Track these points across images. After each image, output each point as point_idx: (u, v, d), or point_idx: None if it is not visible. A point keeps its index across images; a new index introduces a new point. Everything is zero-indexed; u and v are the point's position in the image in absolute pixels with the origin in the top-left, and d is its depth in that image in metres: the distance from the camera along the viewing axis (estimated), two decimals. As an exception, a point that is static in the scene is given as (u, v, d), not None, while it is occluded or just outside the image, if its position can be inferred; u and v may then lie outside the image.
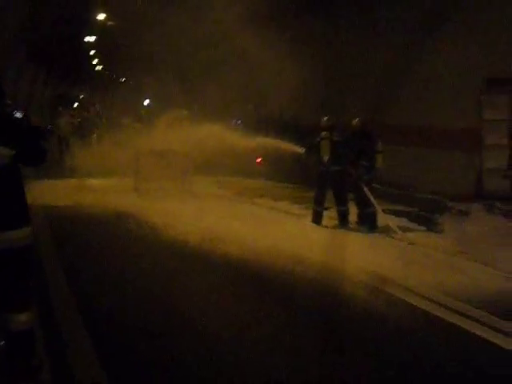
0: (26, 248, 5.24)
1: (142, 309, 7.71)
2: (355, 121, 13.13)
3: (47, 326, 6.83)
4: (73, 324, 7.15)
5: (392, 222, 12.45)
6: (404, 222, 13.14)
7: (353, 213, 12.99)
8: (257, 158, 18.43)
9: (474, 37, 15.36)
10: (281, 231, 12.01)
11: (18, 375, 5.14)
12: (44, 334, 6.50)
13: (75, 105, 41.94)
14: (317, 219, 13.01)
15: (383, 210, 12.79)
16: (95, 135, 28.52)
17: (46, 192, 15.71)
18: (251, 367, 6.03)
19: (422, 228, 12.63)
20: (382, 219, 12.67)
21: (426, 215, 13.35)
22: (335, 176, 12.88)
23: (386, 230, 12.30)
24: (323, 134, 13.01)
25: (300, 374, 5.88)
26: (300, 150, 14.15)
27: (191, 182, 17.11)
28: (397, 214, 13.38)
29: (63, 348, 6.34)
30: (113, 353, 6.26)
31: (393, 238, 11.92)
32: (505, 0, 14.71)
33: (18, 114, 6.24)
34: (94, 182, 18.44)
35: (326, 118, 13.21)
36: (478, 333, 6.99)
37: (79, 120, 34.74)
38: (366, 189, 12.55)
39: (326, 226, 12.87)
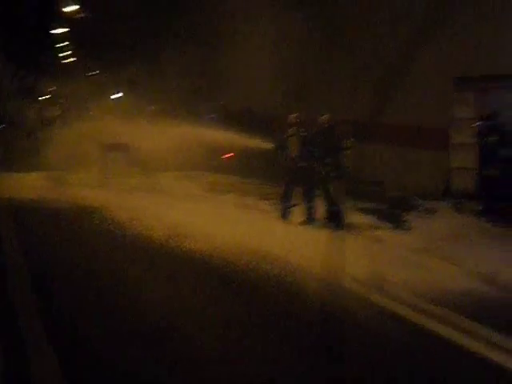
0: None
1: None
2: (323, 117, 13.06)
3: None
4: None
5: (364, 219, 12.41)
6: (373, 219, 13.12)
7: (320, 210, 12.92)
8: (225, 154, 18.31)
9: (446, 36, 15.43)
10: (248, 228, 11.96)
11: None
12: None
13: (45, 98, 41.47)
14: (284, 215, 12.96)
15: (350, 207, 12.76)
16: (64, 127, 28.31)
17: (12, 185, 15.54)
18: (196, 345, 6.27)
19: (390, 225, 12.58)
20: (353, 217, 12.63)
21: (394, 212, 13.34)
22: (303, 172, 12.86)
23: (354, 228, 12.23)
24: (290, 130, 13.00)
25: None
26: (269, 146, 14.08)
27: (158, 177, 17.00)
28: (366, 211, 13.36)
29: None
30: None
31: (361, 235, 11.87)
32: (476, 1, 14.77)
33: None
34: (61, 175, 18.20)
35: (294, 115, 13.21)
36: (442, 332, 6.98)
37: (56, 113, 34.40)
38: (332, 186, 12.52)
39: (293, 223, 12.78)
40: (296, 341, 6.70)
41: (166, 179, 16.88)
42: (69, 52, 47.09)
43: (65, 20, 36.44)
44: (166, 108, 30.14)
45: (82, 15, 34.78)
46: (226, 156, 17.71)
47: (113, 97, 33.64)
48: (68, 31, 39.72)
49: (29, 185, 16.32)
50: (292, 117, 13.21)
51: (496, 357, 6.27)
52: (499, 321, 7.18)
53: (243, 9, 22.66)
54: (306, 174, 12.88)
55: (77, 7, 33.88)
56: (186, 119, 18.47)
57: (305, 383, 5.70)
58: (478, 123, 15.02)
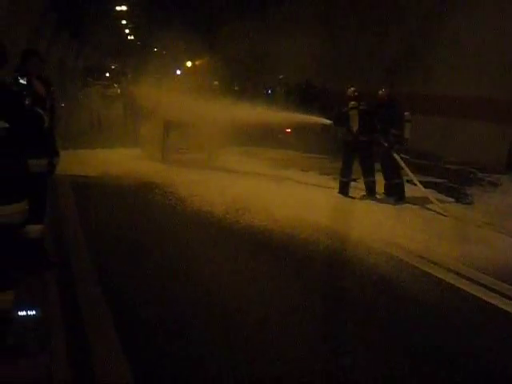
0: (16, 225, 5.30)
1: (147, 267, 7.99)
2: (382, 91, 12.95)
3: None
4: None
5: (430, 193, 12.24)
6: (433, 193, 12.96)
7: (380, 184, 12.83)
8: (286, 129, 18.33)
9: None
10: (308, 202, 11.93)
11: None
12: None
13: (107, 75, 41.92)
14: (344, 190, 12.91)
15: (408, 181, 12.65)
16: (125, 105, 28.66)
17: (77, 161, 15.72)
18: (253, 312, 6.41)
19: (451, 200, 12.46)
20: (414, 191, 12.53)
21: (455, 186, 13.20)
22: (363, 146, 12.76)
23: (416, 201, 12.14)
24: (351, 103, 12.89)
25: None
26: (327, 121, 14.04)
27: (219, 153, 17.06)
28: (425, 185, 13.20)
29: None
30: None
31: (422, 208, 11.77)
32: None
33: (22, 81, 6.25)
34: (123, 151, 18.37)
35: (352, 89, 13.10)
36: (499, 305, 6.94)
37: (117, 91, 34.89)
38: (398, 158, 12.40)
39: (353, 197, 12.74)
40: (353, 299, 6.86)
41: (226, 155, 16.89)
42: (130, 30, 47.67)
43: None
44: (230, 83, 30.42)
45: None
46: (286, 131, 17.72)
47: (177, 72, 34.00)
48: (130, 9, 40.13)
49: (92, 161, 16.51)
50: (350, 91, 13.10)
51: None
52: None
53: None
54: (367, 148, 12.79)
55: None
56: (249, 93, 18.53)
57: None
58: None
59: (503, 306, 6.84)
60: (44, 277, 7.22)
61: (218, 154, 16.96)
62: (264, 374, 5.35)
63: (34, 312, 5.99)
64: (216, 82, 30.34)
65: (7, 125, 5.06)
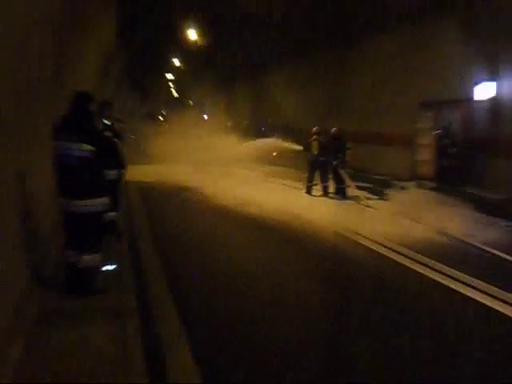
0: (98, 212, 5.31)
1: (189, 233, 7.96)
2: (333, 129, 13.03)
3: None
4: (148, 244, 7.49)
5: (360, 193, 12.29)
6: (364, 193, 12.98)
7: (332, 187, 12.86)
8: (272, 153, 18.22)
9: (412, 72, 15.26)
10: (286, 199, 11.90)
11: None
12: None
13: (158, 117, 41.96)
14: (309, 191, 12.96)
15: (351, 186, 12.67)
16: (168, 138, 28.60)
17: (139, 173, 15.73)
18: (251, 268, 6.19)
19: (376, 197, 12.46)
20: (352, 191, 12.55)
21: (379, 189, 13.21)
22: (321, 164, 12.82)
23: (353, 198, 12.17)
24: (313, 137, 13.00)
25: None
26: (300, 148, 14.13)
27: (231, 168, 16.93)
28: (360, 188, 13.26)
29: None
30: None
31: (357, 203, 11.81)
32: (439, 42, 14.45)
33: (107, 121, 6.33)
34: (168, 167, 18.17)
35: (315, 128, 13.20)
36: (407, 264, 7.01)
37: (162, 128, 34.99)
38: (342, 172, 12.49)
39: (315, 196, 12.75)
40: (311, 260, 6.86)
41: (235, 170, 16.83)
42: (172, 86, 47.64)
43: (173, 69, 36.66)
44: (237, 123, 30.31)
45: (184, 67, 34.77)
46: (274, 154, 17.62)
47: (204, 116, 33.89)
48: (175, 76, 39.97)
49: (149, 173, 16.48)
50: (314, 129, 13.21)
51: (442, 280, 6.29)
52: (446, 258, 7.17)
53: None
54: (323, 165, 12.84)
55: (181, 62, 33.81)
56: (247, 131, 18.51)
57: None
58: (436, 131, 14.75)
59: (414, 267, 6.85)
60: (120, 245, 7.30)
61: (230, 169, 16.81)
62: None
63: (113, 266, 6.06)
64: (229, 123, 30.25)
65: (94, 148, 5.14)
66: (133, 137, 19.17)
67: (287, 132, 20.82)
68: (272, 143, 16.90)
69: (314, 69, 21.19)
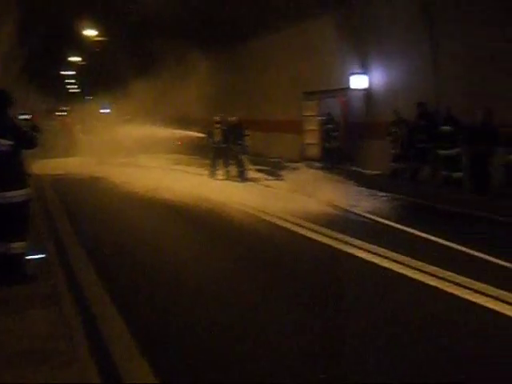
0: (24, 202, 5.21)
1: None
2: (233, 118, 13.34)
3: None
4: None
5: (260, 175, 12.66)
6: (262, 175, 13.44)
7: (233, 171, 13.18)
8: (176, 142, 18.13)
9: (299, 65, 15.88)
10: (191, 183, 11.95)
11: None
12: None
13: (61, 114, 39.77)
14: (212, 175, 13.19)
15: (250, 169, 13.08)
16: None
17: (50, 166, 15.09)
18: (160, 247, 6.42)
19: (273, 178, 12.87)
20: (252, 174, 12.94)
21: (275, 171, 13.69)
22: (223, 150, 13.09)
23: (254, 180, 12.57)
24: (215, 125, 13.24)
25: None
26: (202, 135, 14.24)
27: (137, 157, 16.75)
28: (259, 171, 13.72)
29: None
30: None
31: (257, 184, 12.21)
32: (320, 38, 15.12)
33: (25, 116, 6.04)
34: (79, 159, 17.47)
35: (217, 116, 13.43)
36: (303, 232, 7.47)
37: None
38: (242, 156, 12.86)
39: (219, 179, 13.01)
40: (215, 232, 7.17)
41: (142, 158, 16.59)
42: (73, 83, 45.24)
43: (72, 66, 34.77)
44: (136, 116, 29.41)
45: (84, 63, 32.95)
46: (179, 143, 17.56)
47: (102, 111, 32.47)
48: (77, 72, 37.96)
49: (60, 166, 15.83)
50: (215, 117, 13.45)
51: (330, 242, 6.82)
52: (334, 224, 7.72)
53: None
54: (225, 151, 13.12)
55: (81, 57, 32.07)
56: (151, 122, 18.15)
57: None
58: (320, 118, 15.57)
59: (308, 234, 7.30)
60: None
61: (137, 158, 16.62)
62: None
63: (42, 255, 5.97)
64: (128, 117, 29.32)
65: (14, 142, 5.04)
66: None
67: (189, 122, 20.75)
68: (170, 131, 16.80)
69: (213, 64, 21.27)
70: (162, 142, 17.17)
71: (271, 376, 3.47)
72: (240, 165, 12.98)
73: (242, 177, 12.87)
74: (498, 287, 4.84)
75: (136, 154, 16.80)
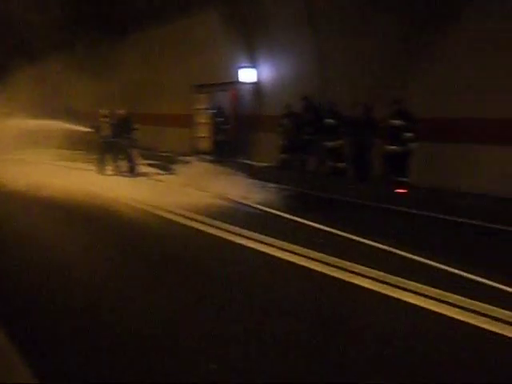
0: None
1: None
2: (121, 111, 12.88)
3: None
4: None
5: (151, 169, 12.36)
6: (154, 169, 13.14)
7: (123, 166, 12.74)
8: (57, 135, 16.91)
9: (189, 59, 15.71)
10: (78, 179, 11.38)
11: None
12: None
13: None
14: (101, 171, 12.63)
15: (141, 163, 12.73)
16: None
17: None
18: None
19: (165, 172, 12.65)
20: (143, 168, 12.61)
21: (166, 165, 13.45)
22: (112, 144, 12.58)
23: (144, 175, 12.27)
24: (103, 119, 12.68)
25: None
26: (87, 129, 13.52)
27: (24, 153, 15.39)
28: (150, 165, 13.40)
29: None
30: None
31: (148, 178, 11.93)
32: (208, 31, 15.06)
33: None
34: None
35: (104, 110, 12.91)
36: (195, 226, 7.39)
37: None
38: (132, 151, 12.47)
39: (108, 175, 12.49)
40: (107, 226, 6.89)
41: (27, 154, 15.31)
42: None
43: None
44: (23, 109, 27.18)
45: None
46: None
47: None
48: None
49: None
50: (103, 111, 12.87)
51: (220, 234, 6.85)
52: (226, 216, 7.74)
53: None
54: (114, 145, 12.61)
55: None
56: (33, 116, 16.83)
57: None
58: (211, 110, 15.56)
59: (198, 227, 7.25)
60: None
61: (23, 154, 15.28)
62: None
63: None
64: (6, 110, 27.01)
65: None
66: None
67: (72, 114, 19.66)
68: (54, 125, 15.69)
69: (97, 60, 20.33)
70: (48, 135, 16.05)
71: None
72: (130, 159, 12.56)
73: (132, 172, 12.48)
74: (366, 266, 5.33)
75: (20, 149, 15.47)
